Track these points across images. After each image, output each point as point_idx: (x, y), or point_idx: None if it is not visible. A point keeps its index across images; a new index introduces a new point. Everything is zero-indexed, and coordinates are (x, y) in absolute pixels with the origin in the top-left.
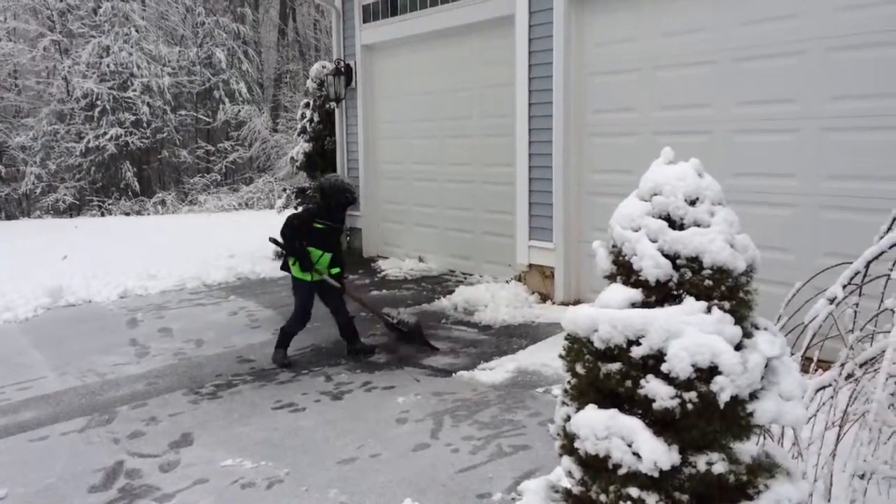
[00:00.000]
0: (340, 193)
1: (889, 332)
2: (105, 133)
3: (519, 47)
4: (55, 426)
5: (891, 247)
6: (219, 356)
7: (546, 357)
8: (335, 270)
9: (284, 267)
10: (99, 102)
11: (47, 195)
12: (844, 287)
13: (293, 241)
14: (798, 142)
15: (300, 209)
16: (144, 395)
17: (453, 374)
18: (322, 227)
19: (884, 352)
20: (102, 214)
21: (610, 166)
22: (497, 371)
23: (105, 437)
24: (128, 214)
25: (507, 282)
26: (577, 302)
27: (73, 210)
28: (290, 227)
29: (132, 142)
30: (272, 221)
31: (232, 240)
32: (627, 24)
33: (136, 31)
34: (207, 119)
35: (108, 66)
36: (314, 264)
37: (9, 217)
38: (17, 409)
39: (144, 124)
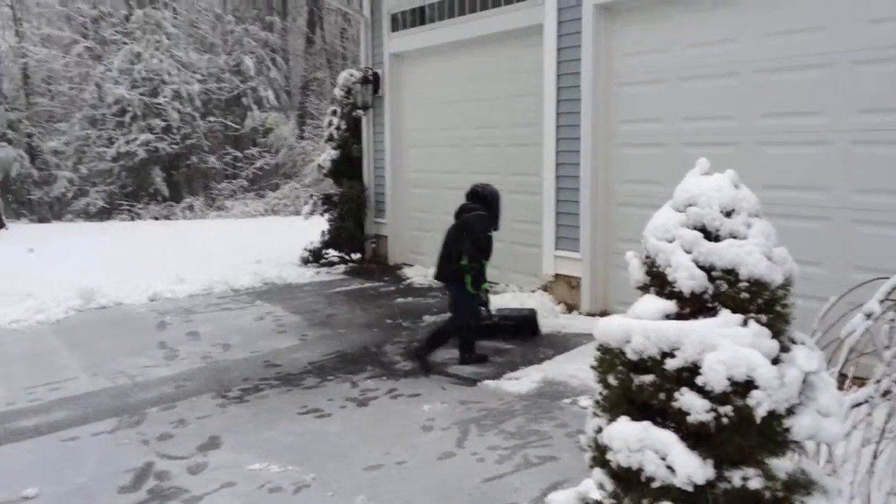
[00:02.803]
0: (499, 200)
1: None
2: (135, 138)
3: (547, 57)
4: (86, 427)
5: None
6: (246, 360)
7: (573, 368)
8: (484, 285)
9: (440, 277)
10: (130, 108)
11: (79, 199)
12: (881, 302)
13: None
14: (827, 154)
15: (474, 219)
16: (173, 397)
17: (479, 383)
18: (491, 235)
19: None
20: (132, 219)
21: (638, 177)
22: (523, 381)
23: (134, 438)
24: (157, 219)
25: (532, 291)
26: (603, 313)
27: (104, 214)
28: (484, 246)
29: (162, 147)
30: (299, 227)
31: (259, 245)
32: (655, 34)
33: (168, 38)
34: (235, 126)
35: (139, 72)
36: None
37: (41, 220)
38: (49, 409)
39: (174, 130)
